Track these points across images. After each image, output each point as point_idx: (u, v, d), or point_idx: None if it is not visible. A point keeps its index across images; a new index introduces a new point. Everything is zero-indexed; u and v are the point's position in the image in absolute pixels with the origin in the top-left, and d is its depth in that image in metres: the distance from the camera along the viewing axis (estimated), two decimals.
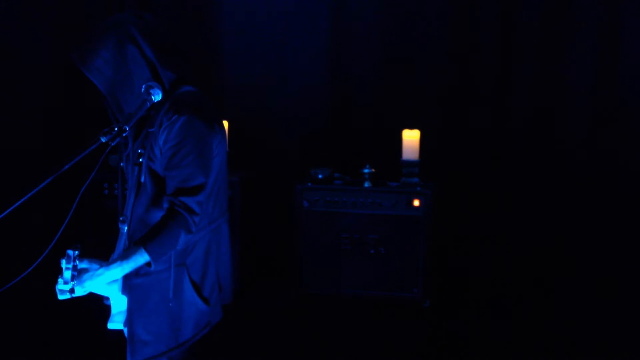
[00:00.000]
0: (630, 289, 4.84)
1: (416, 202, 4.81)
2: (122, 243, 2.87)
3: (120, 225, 2.88)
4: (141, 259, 2.69)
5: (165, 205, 2.74)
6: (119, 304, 2.89)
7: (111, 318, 2.89)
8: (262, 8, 5.43)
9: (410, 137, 4.92)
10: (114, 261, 2.70)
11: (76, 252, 2.65)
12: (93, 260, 2.70)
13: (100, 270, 2.68)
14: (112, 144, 2.62)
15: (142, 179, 2.81)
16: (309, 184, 4.95)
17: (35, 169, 5.06)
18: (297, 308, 4.90)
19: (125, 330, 2.94)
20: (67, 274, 2.62)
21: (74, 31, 5.33)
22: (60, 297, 2.67)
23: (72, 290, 2.64)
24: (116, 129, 2.63)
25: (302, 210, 4.92)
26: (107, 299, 2.97)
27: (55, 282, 2.67)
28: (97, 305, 3.06)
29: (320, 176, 5.00)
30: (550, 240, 5.04)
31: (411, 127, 4.95)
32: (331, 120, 5.41)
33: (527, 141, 5.14)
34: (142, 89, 2.83)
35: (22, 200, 2.49)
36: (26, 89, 5.36)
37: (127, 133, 2.66)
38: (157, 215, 2.78)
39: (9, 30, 5.36)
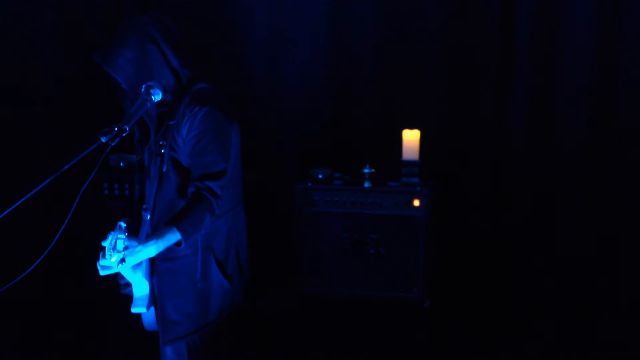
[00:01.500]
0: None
1: (416, 202, 4.81)
2: (145, 230, 3.03)
3: (143, 213, 3.05)
4: (173, 237, 2.86)
5: (191, 189, 2.94)
6: (141, 289, 3.05)
7: (134, 303, 3.04)
8: (260, 8, 5.42)
9: (410, 137, 4.92)
10: (150, 239, 2.85)
11: (126, 224, 2.76)
12: (130, 237, 2.82)
13: (139, 247, 2.82)
14: (112, 144, 2.67)
15: (165, 169, 3.00)
16: (309, 184, 4.95)
17: (35, 169, 5.07)
18: (297, 308, 4.89)
19: (145, 316, 3.12)
20: (120, 244, 2.72)
21: (73, 32, 5.37)
22: (103, 272, 2.78)
23: (122, 260, 2.75)
24: (116, 129, 2.68)
25: (302, 210, 4.92)
26: (125, 287, 3.13)
27: (97, 259, 2.76)
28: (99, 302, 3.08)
29: (320, 176, 5.00)
30: (550, 240, 5.04)
31: (411, 127, 4.95)
32: (331, 120, 5.40)
33: (527, 141, 5.14)
34: (142, 89, 2.96)
35: (22, 200, 2.49)
36: (25, 88, 5.35)
37: (126, 133, 2.73)
38: (180, 202, 3.00)
39: (7, 31, 5.36)
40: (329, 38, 5.37)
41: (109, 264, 2.74)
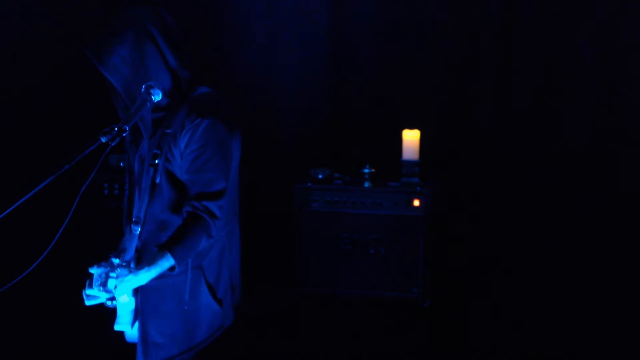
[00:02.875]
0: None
1: (416, 202, 4.81)
2: (134, 244, 2.86)
3: (132, 227, 2.86)
4: (167, 263, 2.69)
5: (187, 209, 2.75)
6: (125, 306, 2.88)
7: (117, 319, 2.89)
8: (260, 8, 5.42)
9: (410, 137, 4.92)
10: (141, 267, 2.69)
11: (118, 262, 2.66)
12: (121, 264, 2.69)
13: (130, 277, 2.67)
14: (112, 144, 2.62)
15: (158, 180, 2.81)
16: (309, 184, 4.95)
17: (35, 169, 5.07)
18: (296, 308, 4.89)
19: (128, 332, 2.95)
20: (111, 283, 2.61)
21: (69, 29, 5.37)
22: (89, 302, 2.69)
23: (112, 299, 2.65)
24: (116, 129, 2.63)
25: (302, 210, 4.92)
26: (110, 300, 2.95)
27: (83, 287, 2.67)
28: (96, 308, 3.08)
29: (320, 176, 5.00)
30: (550, 240, 5.03)
31: (411, 127, 4.95)
32: (331, 120, 5.40)
33: (527, 141, 5.14)
34: (142, 89, 2.82)
35: (22, 200, 2.49)
36: (23, 85, 5.35)
37: (126, 133, 2.66)
38: (172, 217, 2.82)
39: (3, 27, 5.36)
40: (329, 37, 5.37)
41: (96, 294, 2.63)
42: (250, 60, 5.46)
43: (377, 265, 4.85)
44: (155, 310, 2.86)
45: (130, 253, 2.85)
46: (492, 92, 5.20)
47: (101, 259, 2.74)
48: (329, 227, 4.89)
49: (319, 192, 4.91)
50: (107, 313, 2.97)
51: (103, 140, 2.62)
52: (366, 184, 4.92)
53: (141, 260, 2.81)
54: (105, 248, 3.46)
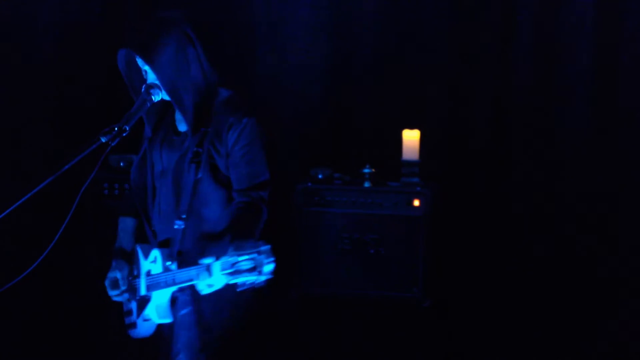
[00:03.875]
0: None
1: (416, 202, 4.81)
2: (177, 239, 2.95)
3: (177, 222, 2.95)
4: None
5: (244, 199, 2.98)
6: (161, 297, 2.99)
7: (159, 313, 3.00)
8: (261, 9, 5.42)
9: (410, 137, 4.92)
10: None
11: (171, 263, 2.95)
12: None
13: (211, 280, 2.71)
14: (112, 144, 2.65)
15: (199, 176, 2.93)
16: (309, 184, 4.95)
17: (35, 169, 5.08)
18: (296, 308, 4.89)
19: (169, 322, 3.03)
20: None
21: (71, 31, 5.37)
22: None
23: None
24: (116, 129, 2.66)
25: (302, 210, 4.92)
26: (131, 327, 3.13)
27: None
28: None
29: (320, 176, 5.00)
30: (550, 240, 5.04)
31: (411, 127, 4.95)
32: (331, 120, 5.40)
33: (527, 141, 5.14)
34: (142, 89, 2.92)
35: (22, 200, 2.50)
36: (25, 90, 5.35)
37: (126, 133, 2.70)
38: (209, 210, 2.96)
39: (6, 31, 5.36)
40: (329, 37, 5.37)
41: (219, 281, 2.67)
42: (250, 60, 5.46)
43: (377, 265, 4.85)
44: (209, 298, 2.89)
45: (175, 250, 2.95)
46: (493, 92, 5.20)
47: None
48: (329, 227, 4.88)
49: (319, 192, 4.91)
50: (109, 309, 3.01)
51: (103, 140, 2.66)
52: (366, 184, 4.92)
53: (183, 254, 2.92)
54: (105, 248, 3.47)
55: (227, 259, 2.60)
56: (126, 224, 3.22)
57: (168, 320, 3.02)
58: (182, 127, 3.07)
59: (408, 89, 5.25)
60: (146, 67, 2.92)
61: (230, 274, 2.59)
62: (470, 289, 5.03)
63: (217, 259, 2.64)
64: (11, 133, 5.29)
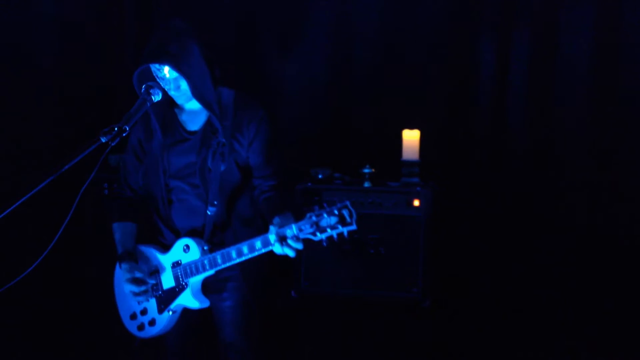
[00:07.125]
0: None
1: (416, 202, 4.81)
2: (210, 226, 3.16)
3: (209, 208, 3.15)
4: None
5: (271, 183, 3.20)
6: (196, 283, 3.17)
7: (197, 298, 3.17)
8: (261, 9, 5.43)
9: (410, 137, 4.92)
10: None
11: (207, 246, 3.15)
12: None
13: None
14: (112, 144, 2.67)
15: (223, 167, 3.14)
16: (309, 184, 4.95)
17: (36, 169, 5.08)
18: (296, 308, 4.90)
19: (159, 317, 3.20)
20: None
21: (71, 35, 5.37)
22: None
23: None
24: (116, 129, 2.68)
25: (302, 210, 4.90)
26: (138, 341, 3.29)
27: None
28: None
29: (320, 176, 5.00)
30: (550, 240, 5.04)
31: (411, 127, 4.95)
32: (331, 120, 5.41)
33: (526, 141, 5.14)
34: (142, 89, 2.96)
35: (22, 200, 2.50)
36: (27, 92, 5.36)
37: (126, 133, 2.73)
38: (240, 195, 3.22)
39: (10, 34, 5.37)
40: (330, 38, 5.38)
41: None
42: (250, 60, 5.46)
43: (377, 265, 4.85)
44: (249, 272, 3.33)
45: (208, 232, 3.16)
46: (492, 92, 5.20)
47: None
48: None
49: (319, 192, 4.91)
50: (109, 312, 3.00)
51: (103, 140, 2.67)
52: (366, 184, 4.92)
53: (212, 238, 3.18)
54: (104, 248, 3.47)
55: (305, 222, 3.03)
56: (127, 228, 3.30)
57: (206, 305, 3.19)
58: (192, 126, 3.19)
59: (408, 89, 5.25)
60: (172, 76, 3.01)
61: (312, 233, 3.02)
62: (470, 289, 5.03)
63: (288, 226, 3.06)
64: (11, 133, 5.29)
